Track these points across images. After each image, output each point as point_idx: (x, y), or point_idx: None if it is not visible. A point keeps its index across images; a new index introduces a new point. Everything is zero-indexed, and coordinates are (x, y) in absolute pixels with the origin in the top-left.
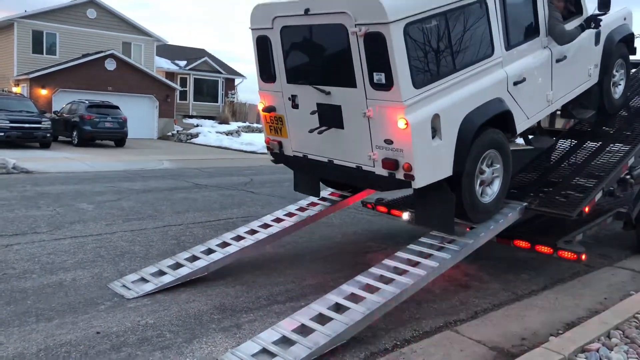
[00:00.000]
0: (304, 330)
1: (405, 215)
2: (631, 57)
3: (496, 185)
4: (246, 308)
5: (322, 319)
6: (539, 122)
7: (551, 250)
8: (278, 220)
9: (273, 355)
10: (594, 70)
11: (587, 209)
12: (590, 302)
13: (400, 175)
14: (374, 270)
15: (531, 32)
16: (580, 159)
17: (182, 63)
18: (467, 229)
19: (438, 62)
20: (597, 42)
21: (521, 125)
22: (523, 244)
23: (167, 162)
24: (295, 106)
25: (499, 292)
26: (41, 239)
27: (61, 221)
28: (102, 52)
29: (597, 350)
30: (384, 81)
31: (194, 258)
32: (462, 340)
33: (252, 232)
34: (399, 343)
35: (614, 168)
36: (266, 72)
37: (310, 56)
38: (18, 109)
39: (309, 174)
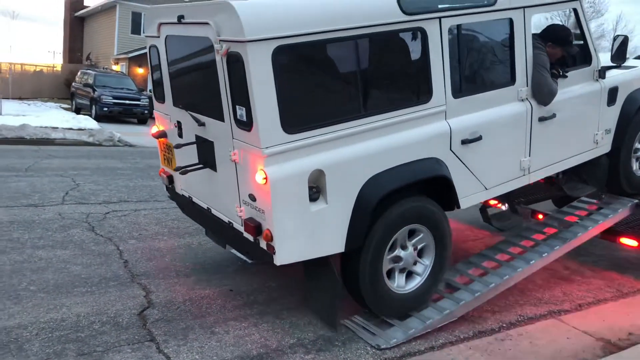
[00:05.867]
0: None
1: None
2: None
3: (420, 271)
4: None
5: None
6: (508, 196)
7: None
8: None
9: (390, 325)
10: (604, 137)
11: None
12: None
13: (263, 244)
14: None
15: (501, 78)
16: None
17: None
18: None
19: (331, 102)
20: (610, 101)
21: (471, 197)
22: (631, 242)
23: None
24: (180, 135)
25: (602, 288)
26: (162, 206)
27: None
28: None
29: None
30: (244, 118)
31: None
32: (567, 329)
33: None
34: (504, 325)
35: None
36: (157, 90)
37: (188, 75)
38: (119, 86)
39: (197, 221)
